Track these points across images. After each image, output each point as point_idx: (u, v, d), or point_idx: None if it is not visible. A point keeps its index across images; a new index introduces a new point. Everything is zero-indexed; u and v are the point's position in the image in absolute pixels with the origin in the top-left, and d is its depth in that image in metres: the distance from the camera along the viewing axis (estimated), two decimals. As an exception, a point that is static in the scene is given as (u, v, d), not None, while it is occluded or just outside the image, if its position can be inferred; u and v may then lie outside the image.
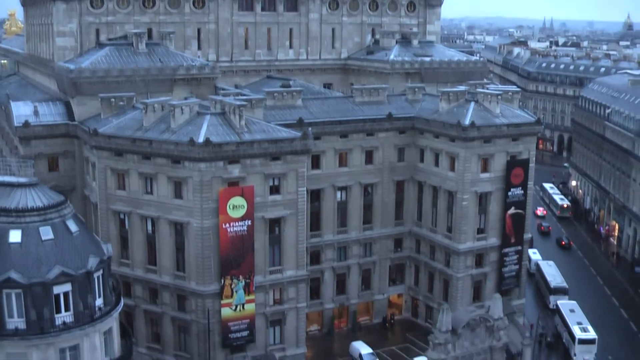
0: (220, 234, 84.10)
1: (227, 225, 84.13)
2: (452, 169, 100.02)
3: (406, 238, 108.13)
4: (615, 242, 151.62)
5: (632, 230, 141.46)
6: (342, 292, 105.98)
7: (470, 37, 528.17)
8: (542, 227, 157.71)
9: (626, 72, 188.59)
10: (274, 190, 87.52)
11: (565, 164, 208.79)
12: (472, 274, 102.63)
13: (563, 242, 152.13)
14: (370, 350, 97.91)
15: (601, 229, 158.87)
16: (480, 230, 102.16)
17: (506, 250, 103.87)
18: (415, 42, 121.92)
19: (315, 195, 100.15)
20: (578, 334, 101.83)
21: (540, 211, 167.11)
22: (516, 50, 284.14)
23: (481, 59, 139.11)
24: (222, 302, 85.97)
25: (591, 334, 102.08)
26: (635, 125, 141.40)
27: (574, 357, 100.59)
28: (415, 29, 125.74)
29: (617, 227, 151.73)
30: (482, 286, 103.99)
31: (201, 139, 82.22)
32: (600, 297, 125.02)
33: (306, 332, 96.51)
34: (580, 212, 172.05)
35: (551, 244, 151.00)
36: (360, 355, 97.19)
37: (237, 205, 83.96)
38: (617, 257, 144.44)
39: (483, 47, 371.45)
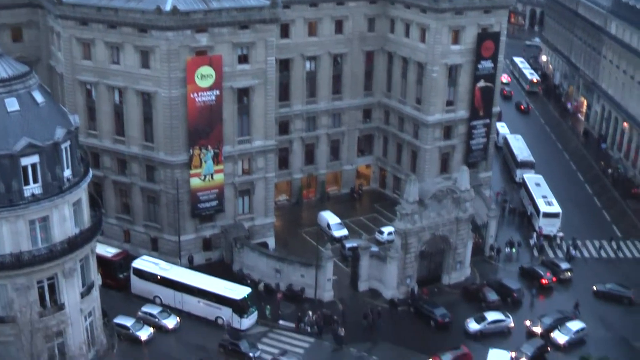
0: (188, 104, 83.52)
1: (195, 95, 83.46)
2: (423, 40, 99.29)
3: (375, 109, 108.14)
4: (583, 119, 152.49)
5: (600, 107, 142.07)
6: (311, 162, 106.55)
7: None
8: (505, 92, 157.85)
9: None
10: (243, 59, 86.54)
11: (536, 39, 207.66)
12: (440, 146, 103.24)
13: (522, 107, 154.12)
14: (339, 220, 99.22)
15: (569, 104, 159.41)
16: (449, 103, 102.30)
17: (474, 123, 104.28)
18: None
19: (284, 65, 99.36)
20: (543, 207, 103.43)
21: (504, 78, 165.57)
22: None
23: None
24: (191, 172, 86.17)
25: (555, 207, 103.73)
26: (608, 2, 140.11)
27: (538, 230, 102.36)
28: None
29: (585, 103, 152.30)
30: (449, 158, 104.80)
31: (168, 7, 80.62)
32: (566, 172, 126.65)
33: (275, 202, 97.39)
34: (549, 88, 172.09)
35: (511, 108, 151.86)
36: (328, 224, 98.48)
37: (205, 75, 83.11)
38: (585, 133, 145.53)
39: None
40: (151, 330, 77.17)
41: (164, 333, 78.04)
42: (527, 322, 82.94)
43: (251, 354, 74.62)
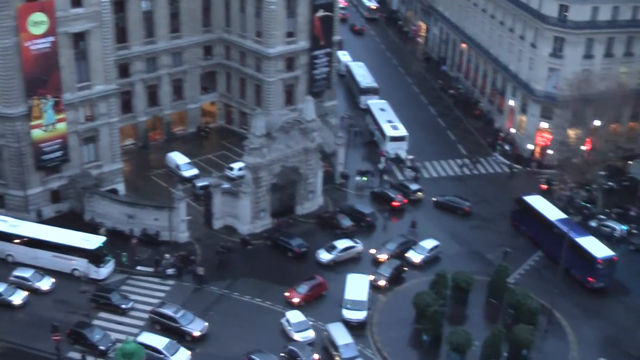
0: (22, 53, 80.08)
1: (29, 43, 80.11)
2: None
3: (216, 45, 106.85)
4: (422, 42, 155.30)
5: (439, 30, 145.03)
6: (155, 104, 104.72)
7: None
8: (340, 15, 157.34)
9: None
10: (76, 3, 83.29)
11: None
12: (283, 78, 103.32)
13: (356, 28, 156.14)
14: (188, 160, 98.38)
15: (409, 29, 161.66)
16: (289, 34, 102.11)
17: (316, 52, 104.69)
18: None
19: (119, 6, 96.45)
20: (389, 131, 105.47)
21: (341, 2, 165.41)
22: None
23: None
24: (32, 123, 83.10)
25: (401, 131, 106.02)
26: None
27: (386, 155, 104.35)
28: None
29: (424, 27, 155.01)
30: (293, 89, 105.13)
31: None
32: (410, 96, 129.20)
33: (121, 147, 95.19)
34: (388, 13, 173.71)
35: (345, 30, 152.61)
36: (177, 165, 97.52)
37: (37, 22, 79.78)
38: (426, 58, 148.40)
39: None
40: (25, 294, 74.69)
41: (39, 295, 75.61)
42: (372, 251, 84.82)
43: (123, 306, 73.89)
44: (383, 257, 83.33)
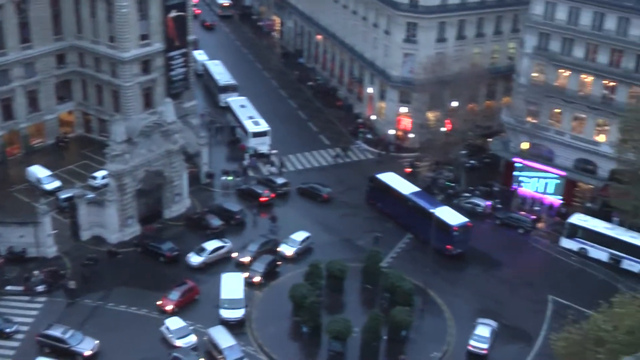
0: None
1: None
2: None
3: (69, 53, 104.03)
4: (278, 36, 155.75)
5: (293, 23, 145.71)
6: (10, 117, 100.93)
7: None
8: (207, 24, 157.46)
9: None
10: None
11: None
12: (140, 82, 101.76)
13: (207, 23, 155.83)
14: (49, 173, 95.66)
15: (263, 24, 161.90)
16: (143, 37, 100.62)
17: (172, 54, 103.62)
18: None
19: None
20: (250, 127, 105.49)
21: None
22: None
23: None
24: None
25: (263, 126, 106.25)
26: None
27: (248, 150, 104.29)
28: None
29: (278, 21, 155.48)
30: (152, 93, 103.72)
31: None
32: (269, 90, 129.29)
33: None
34: (242, 10, 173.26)
35: (196, 26, 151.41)
36: (38, 179, 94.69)
37: None
38: (281, 51, 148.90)
39: None
40: None
41: None
42: (234, 255, 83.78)
43: (7, 330, 71.54)
44: (246, 259, 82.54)
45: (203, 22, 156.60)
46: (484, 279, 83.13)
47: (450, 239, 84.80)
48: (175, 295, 75.56)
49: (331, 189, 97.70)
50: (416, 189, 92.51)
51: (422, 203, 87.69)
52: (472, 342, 71.45)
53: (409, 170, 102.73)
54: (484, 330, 72.55)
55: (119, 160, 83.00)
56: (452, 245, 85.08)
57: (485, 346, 71.11)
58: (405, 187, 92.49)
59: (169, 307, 74.64)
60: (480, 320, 74.04)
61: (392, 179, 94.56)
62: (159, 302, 75.38)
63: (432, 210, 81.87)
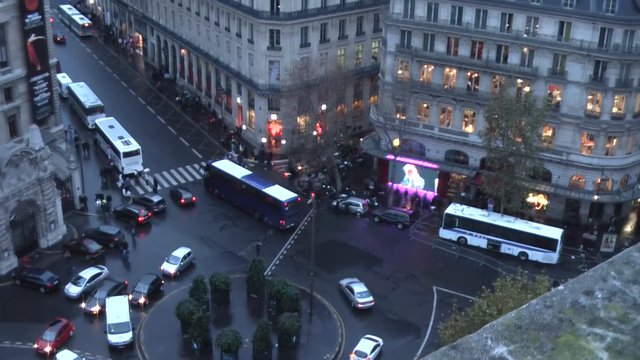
0: None
1: None
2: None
3: None
4: (141, 53, 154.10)
5: (156, 39, 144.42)
6: None
7: None
8: (58, 39, 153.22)
9: None
10: None
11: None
12: (3, 110, 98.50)
13: (58, 38, 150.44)
14: None
15: (125, 42, 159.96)
16: (3, 64, 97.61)
17: (34, 79, 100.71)
18: None
19: None
20: (121, 147, 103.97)
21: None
22: None
23: None
24: None
25: (134, 145, 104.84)
26: None
27: (122, 171, 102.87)
28: None
29: (140, 38, 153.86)
30: (16, 120, 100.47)
31: None
32: (137, 108, 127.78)
33: None
34: (103, 29, 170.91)
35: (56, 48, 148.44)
36: None
37: None
38: (146, 67, 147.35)
39: None
40: None
41: None
42: (83, 305, 77.99)
43: None
44: (94, 308, 76.76)
45: (54, 36, 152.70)
46: (367, 276, 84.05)
47: (282, 214, 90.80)
48: (51, 335, 71.92)
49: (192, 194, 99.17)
50: (248, 172, 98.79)
51: (254, 184, 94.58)
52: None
53: (286, 174, 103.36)
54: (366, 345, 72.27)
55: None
56: (284, 220, 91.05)
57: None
58: (238, 171, 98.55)
59: (47, 349, 70.70)
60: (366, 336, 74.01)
61: (226, 165, 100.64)
62: (35, 346, 71.40)
63: (264, 190, 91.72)
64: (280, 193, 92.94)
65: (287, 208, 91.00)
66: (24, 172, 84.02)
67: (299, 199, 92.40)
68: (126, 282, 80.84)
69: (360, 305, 77.80)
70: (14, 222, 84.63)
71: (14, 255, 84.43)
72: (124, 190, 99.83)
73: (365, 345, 71.60)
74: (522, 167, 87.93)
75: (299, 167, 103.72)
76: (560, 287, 6.89)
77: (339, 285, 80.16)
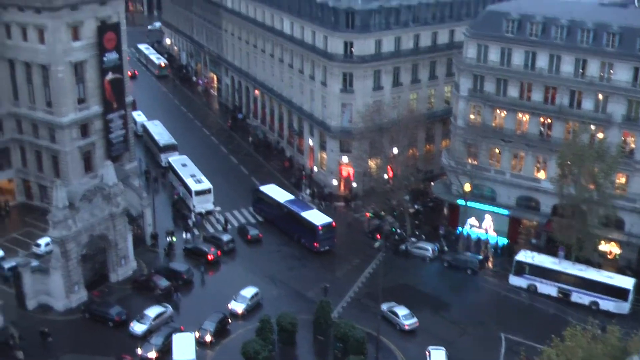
0: None
1: None
2: (42, 41, 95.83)
3: (6, 120, 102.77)
4: (215, 93, 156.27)
5: (230, 79, 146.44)
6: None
7: None
8: (129, 73, 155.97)
9: None
10: None
11: (157, 23, 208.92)
12: (79, 146, 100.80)
13: (130, 73, 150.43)
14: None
15: (200, 82, 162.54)
16: (80, 101, 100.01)
17: (110, 116, 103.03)
18: None
19: None
20: (193, 186, 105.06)
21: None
22: None
23: None
24: None
25: (206, 184, 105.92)
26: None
27: (194, 209, 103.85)
28: None
29: (215, 78, 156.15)
30: (92, 156, 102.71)
31: None
32: (210, 147, 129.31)
33: None
34: (178, 69, 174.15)
35: (134, 86, 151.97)
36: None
37: None
38: (220, 107, 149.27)
39: None
40: None
41: None
42: (139, 351, 76.75)
43: None
44: (152, 354, 76.06)
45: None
46: (435, 321, 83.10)
47: (316, 237, 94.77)
48: None
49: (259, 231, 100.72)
50: (291, 197, 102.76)
51: (294, 208, 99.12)
52: None
53: (368, 214, 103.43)
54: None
55: (62, 226, 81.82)
56: (318, 243, 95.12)
57: None
58: (281, 196, 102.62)
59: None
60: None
61: (271, 189, 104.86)
62: None
63: (302, 213, 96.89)
64: (316, 217, 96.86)
65: (321, 232, 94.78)
66: (97, 207, 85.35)
67: (334, 224, 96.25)
68: (182, 327, 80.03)
69: (407, 327, 80.00)
70: (86, 256, 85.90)
71: (84, 289, 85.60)
72: (194, 230, 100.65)
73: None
74: (594, 214, 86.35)
75: (382, 212, 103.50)
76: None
77: (381, 312, 79.37)
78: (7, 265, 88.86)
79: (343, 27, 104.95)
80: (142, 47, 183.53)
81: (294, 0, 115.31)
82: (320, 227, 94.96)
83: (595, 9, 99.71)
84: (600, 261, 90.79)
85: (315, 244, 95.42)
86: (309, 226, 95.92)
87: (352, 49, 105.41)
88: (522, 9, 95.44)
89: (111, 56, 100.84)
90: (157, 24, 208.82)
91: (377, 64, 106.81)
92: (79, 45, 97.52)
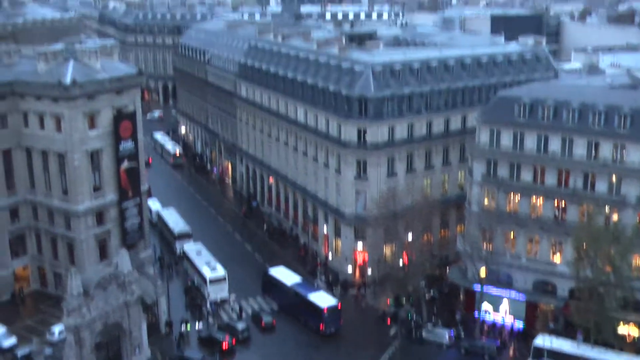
0: None
1: None
2: (59, 130, 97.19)
3: (22, 207, 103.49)
4: (230, 181, 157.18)
5: (245, 167, 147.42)
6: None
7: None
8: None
9: (222, 17, 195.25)
10: None
11: (155, 113, 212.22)
12: (95, 234, 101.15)
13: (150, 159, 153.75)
14: (3, 330, 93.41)
15: (215, 170, 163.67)
16: (96, 189, 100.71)
17: (125, 204, 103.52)
18: (5, 3, 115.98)
19: None
20: (207, 274, 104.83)
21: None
22: (112, 3, 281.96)
23: (76, 15, 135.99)
24: None
25: (220, 272, 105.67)
26: (235, 67, 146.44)
27: (208, 298, 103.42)
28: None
29: (230, 166, 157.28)
30: (107, 244, 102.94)
31: None
32: (224, 235, 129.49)
33: None
34: (193, 157, 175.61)
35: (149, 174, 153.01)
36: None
37: None
38: (235, 195, 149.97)
39: (78, 2, 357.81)
40: None
41: None
42: None
43: None
44: None
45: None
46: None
47: (322, 320, 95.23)
48: None
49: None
50: (299, 279, 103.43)
51: (300, 290, 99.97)
52: None
53: (388, 300, 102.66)
54: None
55: (76, 314, 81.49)
56: (324, 325, 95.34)
57: None
58: (289, 278, 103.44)
59: None
60: None
61: (280, 272, 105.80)
62: None
63: (308, 295, 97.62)
64: (322, 299, 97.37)
65: (326, 314, 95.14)
66: (111, 295, 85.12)
67: (339, 306, 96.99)
68: None
69: None
70: (99, 344, 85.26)
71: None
72: (208, 318, 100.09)
73: None
74: (612, 296, 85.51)
75: (403, 299, 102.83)
76: None
77: None
78: (20, 352, 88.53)
79: (356, 115, 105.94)
80: (158, 135, 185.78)
81: (308, 88, 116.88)
82: (325, 309, 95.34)
83: (605, 91, 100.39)
84: (619, 344, 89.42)
85: (320, 325, 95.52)
86: (315, 308, 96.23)
87: (366, 136, 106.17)
88: (533, 93, 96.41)
89: (127, 145, 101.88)
90: (156, 113, 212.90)
91: (391, 151, 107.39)
92: (95, 134, 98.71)
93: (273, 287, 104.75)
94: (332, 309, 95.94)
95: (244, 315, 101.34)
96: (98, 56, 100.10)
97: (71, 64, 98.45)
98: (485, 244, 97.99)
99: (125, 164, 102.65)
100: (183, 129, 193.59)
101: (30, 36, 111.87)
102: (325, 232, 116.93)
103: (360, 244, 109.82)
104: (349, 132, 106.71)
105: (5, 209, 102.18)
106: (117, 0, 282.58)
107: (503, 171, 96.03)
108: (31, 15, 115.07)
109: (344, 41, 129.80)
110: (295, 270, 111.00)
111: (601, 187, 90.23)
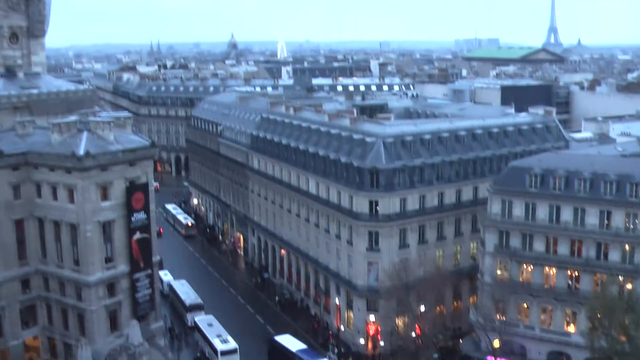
0: None
1: None
2: (72, 200, 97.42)
3: (33, 277, 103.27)
4: (242, 253, 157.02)
5: (256, 239, 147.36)
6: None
7: (79, 66, 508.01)
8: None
9: (234, 90, 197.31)
10: None
11: (185, 183, 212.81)
12: (106, 305, 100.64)
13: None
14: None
15: (227, 242, 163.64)
16: (108, 260, 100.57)
17: (137, 275, 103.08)
18: (20, 75, 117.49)
19: None
20: (219, 346, 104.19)
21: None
22: (125, 75, 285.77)
23: (90, 87, 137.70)
24: None
25: (232, 344, 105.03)
26: (247, 139, 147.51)
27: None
28: (19, 61, 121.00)
29: (242, 238, 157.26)
30: (117, 315, 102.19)
31: None
32: (236, 307, 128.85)
33: None
34: (204, 228, 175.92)
35: (160, 245, 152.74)
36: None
37: None
38: (246, 266, 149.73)
39: (92, 74, 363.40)
40: None
41: None
42: None
43: None
44: None
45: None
46: None
47: None
48: None
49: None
50: (303, 346, 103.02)
51: (304, 357, 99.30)
52: None
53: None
54: None
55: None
56: None
57: None
58: (294, 345, 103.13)
59: None
60: None
61: (286, 339, 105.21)
62: None
63: None
64: None
65: None
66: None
67: None
68: None
69: None
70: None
71: None
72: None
73: None
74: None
75: None
76: None
77: None
78: None
79: (368, 187, 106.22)
80: (170, 207, 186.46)
81: (319, 160, 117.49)
82: None
83: (616, 160, 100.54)
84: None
85: None
86: None
87: (377, 207, 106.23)
88: (545, 163, 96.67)
89: (139, 216, 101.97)
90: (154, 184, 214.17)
91: (403, 222, 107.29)
92: (107, 205, 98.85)
93: (279, 353, 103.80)
94: None
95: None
96: (111, 128, 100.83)
97: (85, 135, 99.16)
98: (498, 314, 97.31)
99: (137, 235, 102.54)
100: (195, 201, 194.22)
101: (45, 107, 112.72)
102: (337, 303, 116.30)
103: (372, 316, 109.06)
104: (361, 204, 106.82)
105: (16, 279, 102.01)
106: (132, 73, 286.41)
107: (515, 241, 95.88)
108: (46, 87, 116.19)
109: (355, 113, 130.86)
110: (306, 342, 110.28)
111: (614, 256, 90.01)
